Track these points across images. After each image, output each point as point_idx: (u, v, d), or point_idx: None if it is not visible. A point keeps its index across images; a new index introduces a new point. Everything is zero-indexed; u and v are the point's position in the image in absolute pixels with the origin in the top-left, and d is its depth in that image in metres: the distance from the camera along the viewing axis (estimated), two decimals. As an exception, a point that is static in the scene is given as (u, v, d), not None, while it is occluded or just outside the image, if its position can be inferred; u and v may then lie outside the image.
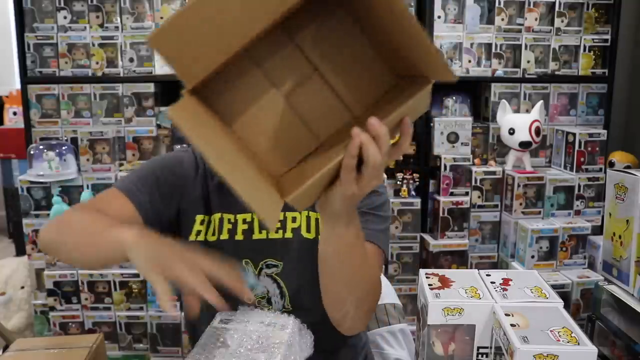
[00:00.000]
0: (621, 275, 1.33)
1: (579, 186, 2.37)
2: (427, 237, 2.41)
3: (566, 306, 0.93)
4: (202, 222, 1.06)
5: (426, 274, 1.02)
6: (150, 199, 1.00)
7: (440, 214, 2.34)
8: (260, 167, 0.74)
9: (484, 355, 0.92)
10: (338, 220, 0.78)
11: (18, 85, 2.50)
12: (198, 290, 0.71)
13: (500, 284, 0.99)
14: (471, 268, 2.37)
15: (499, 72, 2.44)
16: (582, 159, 2.36)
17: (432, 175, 2.43)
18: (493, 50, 2.42)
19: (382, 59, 0.75)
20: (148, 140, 2.37)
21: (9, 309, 2.41)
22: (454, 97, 2.50)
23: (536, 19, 2.43)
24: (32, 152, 2.27)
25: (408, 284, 2.40)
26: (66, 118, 2.35)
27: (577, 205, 2.38)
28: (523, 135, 2.27)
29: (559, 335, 0.81)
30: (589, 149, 2.36)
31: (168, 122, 2.35)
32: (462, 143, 2.37)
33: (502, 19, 2.41)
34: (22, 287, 2.42)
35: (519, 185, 2.30)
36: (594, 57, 2.48)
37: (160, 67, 2.34)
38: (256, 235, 1.04)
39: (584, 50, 2.46)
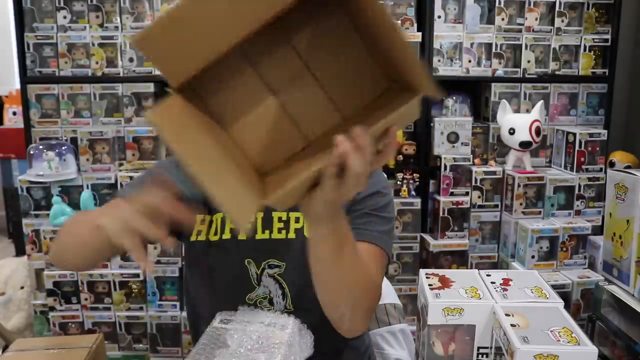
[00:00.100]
0: (621, 275, 1.33)
1: (579, 186, 2.36)
2: (427, 237, 2.40)
3: (566, 306, 0.93)
4: (202, 222, 1.06)
5: (426, 274, 1.02)
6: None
7: (441, 214, 2.34)
8: (246, 167, 0.74)
9: (484, 356, 0.91)
10: (321, 223, 0.78)
11: (18, 85, 2.50)
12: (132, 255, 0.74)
13: (500, 284, 0.98)
14: (471, 268, 2.37)
15: (499, 72, 2.44)
16: (582, 159, 2.36)
17: (432, 175, 2.43)
18: (493, 50, 2.42)
19: (376, 62, 0.75)
20: (148, 140, 2.37)
21: (9, 309, 2.41)
22: (454, 97, 2.50)
23: (536, 19, 2.43)
24: (31, 152, 2.27)
25: (408, 284, 2.40)
26: (66, 118, 2.35)
27: (578, 205, 2.38)
28: (523, 135, 2.27)
29: (559, 336, 0.81)
30: (589, 148, 2.36)
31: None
32: (462, 143, 2.37)
33: (502, 19, 2.41)
34: (22, 287, 2.42)
35: (519, 185, 2.30)
36: (594, 57, 2.48)
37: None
38: (259, 235, 1.04)
39: (584, 50, 2.46)
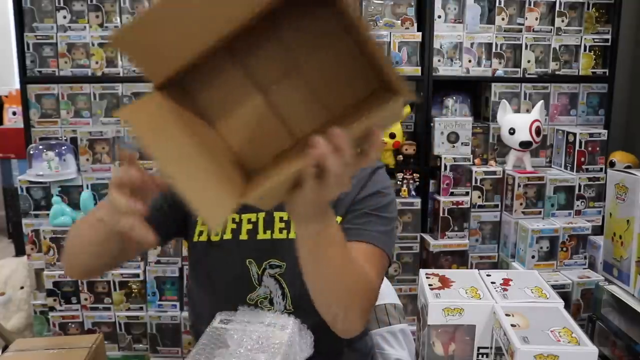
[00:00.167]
0: (622, 275, 1.33)
1: (580, 186, 2.36)
2: (427, 237, 2.40)
3: (566, 306, 0.93)
4: (204, 223, 1.06)
5: (426, 274, 1.02)
6: (154, 206, 1.00)
7: (441, 214, 2.34)
8: (228, 165, 0.74)
9: (484, 356, 0.91)
10: (307, 222, 0.77)
11: (17, 85, 2.50)
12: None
13: (500, 284, 0.98)
14: (471, 268, 2.37)
15: (499, 72, 2.44)
16: (582, 159, 2.36)
17: (432, 175, 2.43)
18: (493, 50, 2.42)
19: (366, 61, 0.75)
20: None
21: (9, 309, 2.41)
22: (454, 97, 2.50)
23: (536, 19, 2.43)
24: (31, 152, 2.27)
25: (408, 284, 2.40)
26: (66, 118, 2.35)
27: (578, 205, 2.38)
28: (523, 135, 2.27)
29: (560, 336, 0.81)
30: (590, 148, 2.36)
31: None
32: (462, 143, 2.37)
33: (503, 19, 2.41)
34: (22, 287, 2.42)
35: (519, 185, 2.29)
36: (594, 56, 2.48)
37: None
38: (260, 236, 1.04)
39: (585, 50, 2.46)
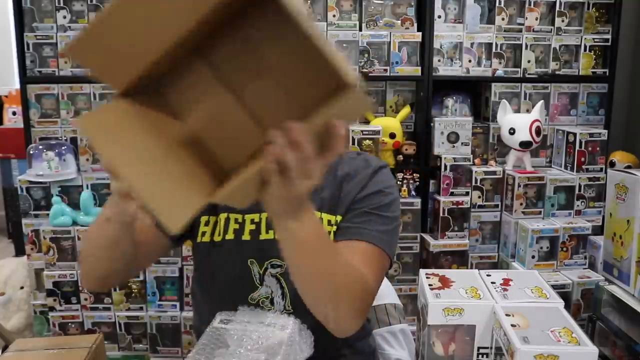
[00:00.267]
0: (622, 275, 1.33)
1: (580, 186, 2.36)
2: (427, 237, 2.40)
3: (567, 306, 0.93)
4: (206, 224, 1.07)
5: (426, 274, 1.02)
6: None
7: (441, 214, 2.34)
8: (195, 166, 0.74)
9: (485, 356, 0.91)
10: (282, 218, 0.77)
11: (17, 85, 2.50)
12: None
13: (500, 284, 0.98)
14: (471, 268, 2.37)
15: (499, 72, 2.44)
16: (582, 159, 2.36)
17: (432, 175, 2.43)
18: (493, 50, 2.42)
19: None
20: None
21: (9, 309, 2.41)
22: (454, 97, 2.50)
23: (536, 19, 2.43)
24: (31, 152, 2.27)
25: (408, 284, 2.40)
26: (66, 118, 2.35)
27: (578, 205, 2.38)
28: (523, 135, 2.27)
29: (560, 336, 0.81)
30: (590, 148, 2.36)
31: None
32: (462, 143, 2.37)
33: (503, 19, 2.41)
34: (22, 288, 2.42)
35: (519, 185, 2.29)
36: (594, 56, 2.48)
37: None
38: (263, 236, 1.04)
39: (585, 49, 2.46)
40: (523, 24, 2.42)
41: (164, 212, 0.64)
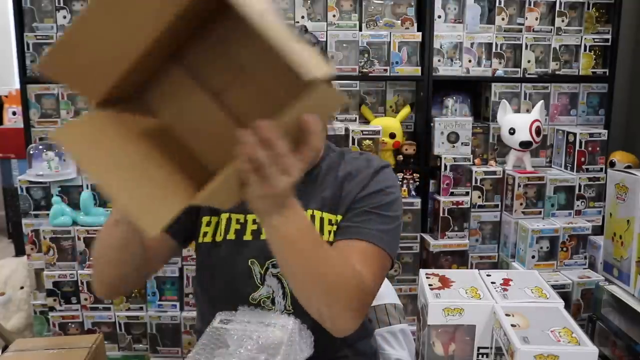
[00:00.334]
0: (622, 275, 1.33)
1: (580, 186, 2.36)
2: (427, 237, 2.40)
3: (567, 306, 0.93)
4: (207, 224, 1.07)
5: (426, 274, 1.02)
6: None
7: (441, 214, 2.34)
8: (174, 171, 0.74)
9: (485, 356, 0.91)
10: (266, 216, 0.77)
11: (17, 85, 2.50)
12: None
13: (500, 284, 0.98)
14: (471, 268, 2.37)
15: (500, 72, 2.44)
16: (582, 159, 2.36)
17: (432, 175, 2.43)
18: (493, 50, 2.42)
19: None
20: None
21: (9, 309, 2.41)
22: (454, 97, 2.50)
23: (537, 19, 2.43)
24: (31, 152, 2.27)
25: (408, 284, 2.40)
26: (66, 118, 2.35)
27: (578, 205, 2.38)
28: (523, 135, 2.27)
29: (560, 336, 0.81)
30: (590, 148, 2.36)
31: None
32: (462, 143, 2.37)
33: (503, 19, 2.41)
34: (22, 288, 2.42)
35: (519, 185, 2.29)
36: (594, 56, 2.48)
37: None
38: (264, 235, 1.04)
39: (585, 49, 2.46)
40: (523, 24, 2.42)
41: (142, 217, 0.64)
